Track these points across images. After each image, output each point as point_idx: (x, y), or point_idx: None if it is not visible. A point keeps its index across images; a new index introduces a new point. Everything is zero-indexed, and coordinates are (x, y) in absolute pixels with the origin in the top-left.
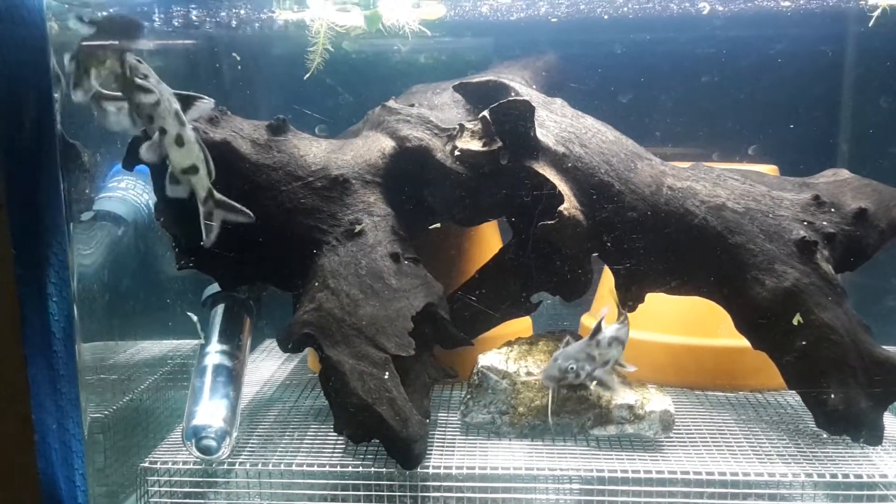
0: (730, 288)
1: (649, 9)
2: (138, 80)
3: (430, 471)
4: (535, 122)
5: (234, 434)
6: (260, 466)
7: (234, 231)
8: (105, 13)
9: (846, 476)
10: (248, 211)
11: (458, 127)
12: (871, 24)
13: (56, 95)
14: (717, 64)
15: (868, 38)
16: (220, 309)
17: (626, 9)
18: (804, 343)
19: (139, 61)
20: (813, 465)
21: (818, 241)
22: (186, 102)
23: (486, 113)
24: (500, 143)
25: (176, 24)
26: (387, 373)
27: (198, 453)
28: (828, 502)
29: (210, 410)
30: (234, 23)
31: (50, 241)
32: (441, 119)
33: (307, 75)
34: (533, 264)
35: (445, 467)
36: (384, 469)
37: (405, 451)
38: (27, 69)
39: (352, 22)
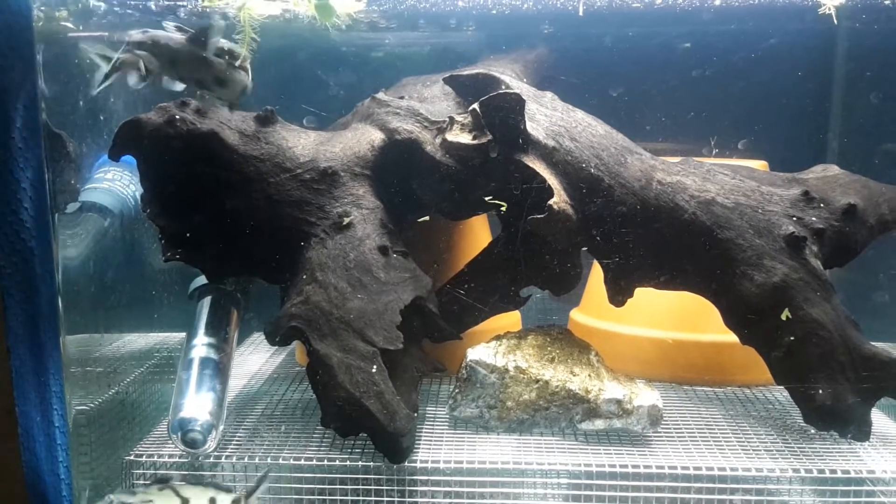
0: (719, 283)
1: (641, 3)
2: None
3: (418, 465)
4: (526, 116)
5: (221, 427)
6: (246, 460)
7: (221, 222)
8: None
9: (833, 472)
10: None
11: (447, 120)
12: (835, 22)
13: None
14: (708, 59)
15: (859, 35)
16: (206, 301)
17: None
18: (792, 338)
19: None
20: (800, 461)
21: (807, 237)
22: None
23: (475, 106)
24: (489, 136)
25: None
26: (375, 366)
27: (184, 446)
28: (815, 498)
29: (196, 403)
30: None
31: (34, 232)
32: (431, 112)
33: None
34: (522, 258)
35: (433, 461)
36: (371, 463)
37: (393, 445)
38: (12, 57)
39: (270, 11)
